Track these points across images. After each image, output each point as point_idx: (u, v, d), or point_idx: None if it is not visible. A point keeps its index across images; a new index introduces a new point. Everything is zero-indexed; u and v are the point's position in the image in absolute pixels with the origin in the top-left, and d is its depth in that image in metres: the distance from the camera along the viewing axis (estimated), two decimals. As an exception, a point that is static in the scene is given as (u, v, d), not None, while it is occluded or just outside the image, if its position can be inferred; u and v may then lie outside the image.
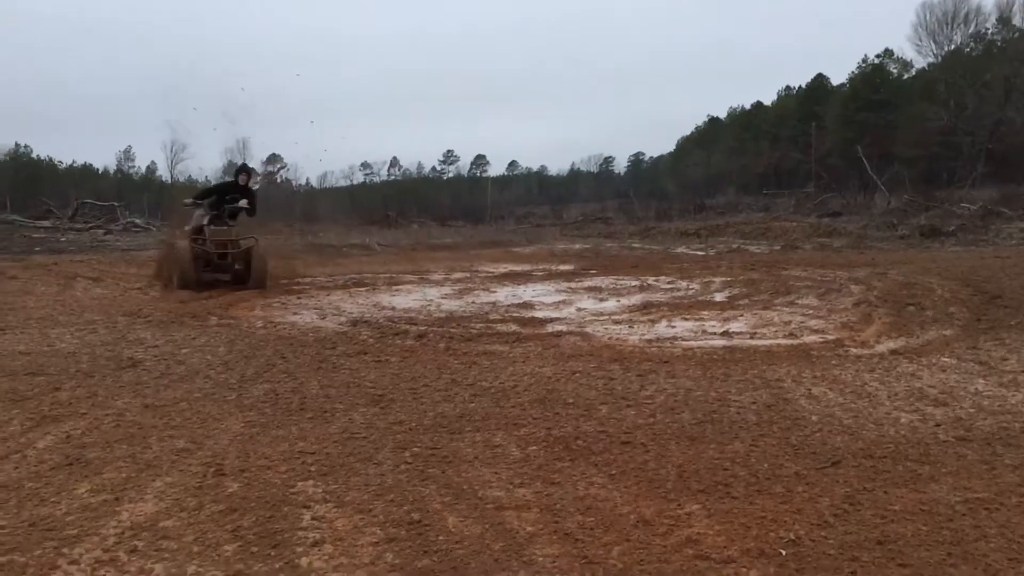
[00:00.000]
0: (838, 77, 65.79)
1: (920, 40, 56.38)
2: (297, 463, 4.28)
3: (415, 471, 4.19)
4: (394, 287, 13.34)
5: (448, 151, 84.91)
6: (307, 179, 75.49)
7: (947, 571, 3.03)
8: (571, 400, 5.56)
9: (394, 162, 78.31)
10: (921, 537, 3.33)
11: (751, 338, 7.91)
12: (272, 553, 3.23)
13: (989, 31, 55.90)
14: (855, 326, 8.33)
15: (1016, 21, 55.04)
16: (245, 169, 13.54)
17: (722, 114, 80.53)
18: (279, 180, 75.94)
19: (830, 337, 7.78)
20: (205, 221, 12.53)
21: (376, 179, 76.53)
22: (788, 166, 57.64)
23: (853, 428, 4.82)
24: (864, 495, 3.78)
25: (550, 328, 8.67)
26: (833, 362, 6.70)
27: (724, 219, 30.18)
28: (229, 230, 12.46)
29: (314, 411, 5.33)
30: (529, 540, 3.34)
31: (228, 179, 14.38)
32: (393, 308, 10.61)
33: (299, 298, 11.83)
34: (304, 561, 3.16)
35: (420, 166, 78.83)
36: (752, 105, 76.21)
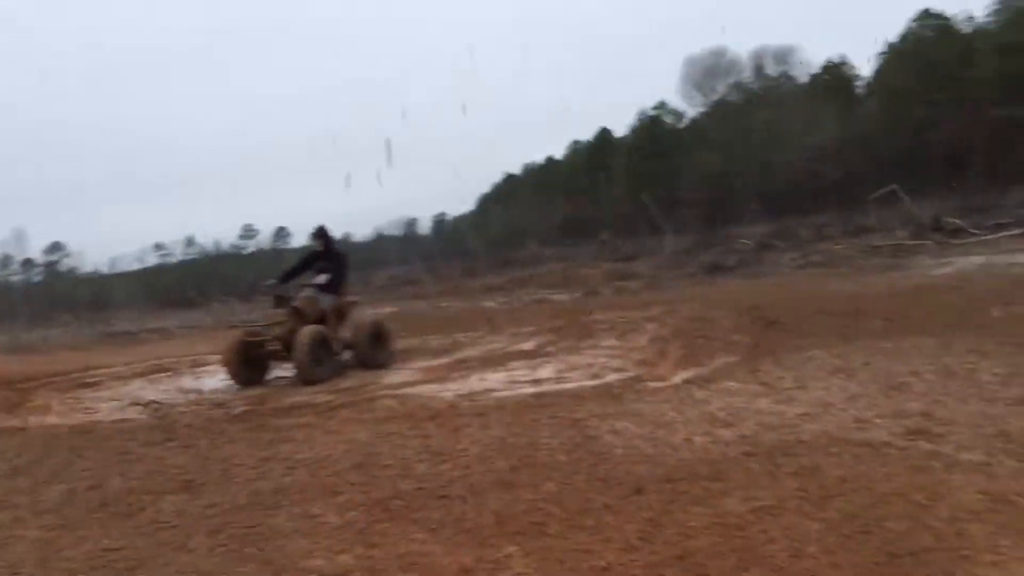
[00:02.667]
0: (620, 130, 69.63)
1: (689, 92, 60.91)
2: (101, 562, 4.10)
3: (231, 552, 4.11)
4: (199, 368, 12.86)
5: (246, 225, 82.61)
6: (94, 266, 71.32)
7: (740, 575, 3.31)
8: (388, 462, 5.60)
9: (190, 241, 75.30)
10: (717, 548, 3.62)
11: (558, 383, 8.23)
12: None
13: (747, 80, 61.17)
14: (652, 361, 8.85)
15: (769, 70, 60.61)
16: (314, 233, 11.32)
17: (518, 170, 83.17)
18: (63, 269, 71.29)
19: (630, 374, 8.23)
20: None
21: (171, 259, 73.32)
22: (584, 216, 60.11)
23: (654, 456, 5.14)
24: (666, 517, 4.06)
25: (363, 394, 8.66)
26: (633, 397, 7.10)
27: (528, 271, 31.13)
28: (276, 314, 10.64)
29: (118, 505, 5.10)
30: (353, 603, 3.36)
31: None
32: (199, 391, 10.24)
33: (95, 391, 11.18)
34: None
35: (218, 243, 76.13)
36: (545, 159, 79.21)
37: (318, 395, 8.86)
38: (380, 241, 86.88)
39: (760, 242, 25.88)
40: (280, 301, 10.51)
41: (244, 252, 76.86)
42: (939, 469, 4.37)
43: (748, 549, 3.57)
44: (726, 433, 5.54)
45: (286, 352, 9.89)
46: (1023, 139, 50.54)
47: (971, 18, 56.88)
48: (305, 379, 9.63)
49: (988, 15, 55.47)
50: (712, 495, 4.31)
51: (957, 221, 22.66)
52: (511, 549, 3.83)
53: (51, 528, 4.74)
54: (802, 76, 61.55)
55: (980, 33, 55.92)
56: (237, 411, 8.27)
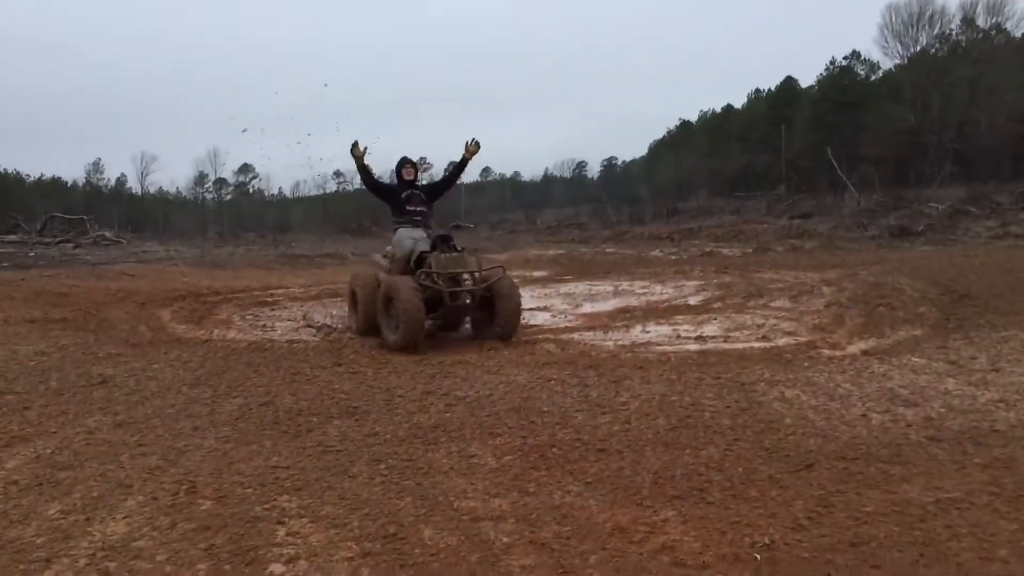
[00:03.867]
0: (807, 79, 66.46)
1: (886, 42, 57.03)
2: (271, 478, 4.25)
3: (390, 483, 4.17)
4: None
5: (421, 158, 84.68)
6: (279, 189, 75.17)
7: (919, 572, 3.06)
8: (546, 408, 5.56)
9: (367, 171, 77.90)
10: (894, 538, 3.35)
11: (724, 341, 7.95)
12: (246, 570, 3.20)
13: (953, 32, 56.66)
14: (827, 328, 8.41)
15: (980, 22, 55.85)
16: (408, 162, 9.34)
17: (693, 117, 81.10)
18: (251, 191, 75.62)
19: (802, 339, 7.85)
20: (422, 246, 8.55)
21: (349, 188, 76.18)
22: (759, 169, 58.06)
23: (826, 430, 4.85)
24: (837, 497, 3.81)
25: (525, 335, 8.67)
26: (806, 364, 6.75)
27: (696, 222, 30.38)
28: (462, 257, 8.42)
29: (287, 425, 5.29)
30: (505, 551, 3.33)
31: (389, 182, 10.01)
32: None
33: (272, 310, 11.76)
34: (279, 577, 3.14)
35: (391, 174, 78.36)
36: (722, 108, 76.83)
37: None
38: (548, 182, 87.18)
39: (953, 207, 24.08)
40: (445, 245, 8.45)
41: (419, 183, 78.83)
42: None
43: (929, 543, 3.29)
44: (908, 413, 5.16)
45: (478, 311, 8.52)
46: None
47: None
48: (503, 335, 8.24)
49: None
50: (890, 480, 4.01)
51: None
52: (669, 513, 3.69)
53: (226, 440, 4.97)
54: (1016, 29, 56.31)
55: None
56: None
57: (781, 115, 59.95)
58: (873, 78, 60.97)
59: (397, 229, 8.96)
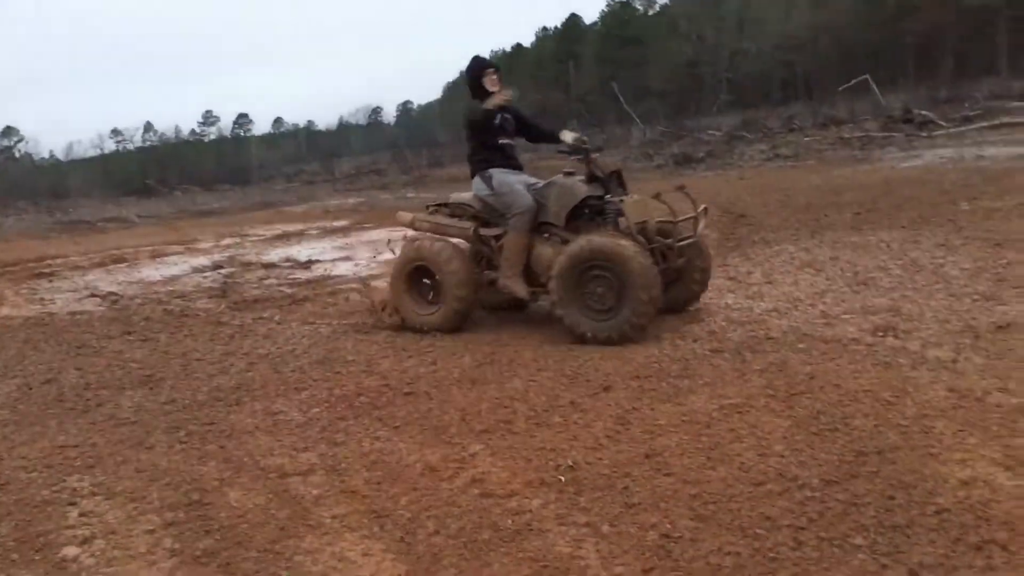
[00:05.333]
0: (591, 16, 68.14)
1: (660, -23, 59.33)
2: (58, 459, 4.01)
3: (192, 450, 4.03)
4: (158, 260, 12.62)
5: (207, 112, 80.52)
6: (50, 152, 69.37)
7: (706, 474, 3.29)
8: (352, 358, 5.52)
9: (148, 127, 73.27)
10: (684, 446, 3.59)
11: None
12: (36, 557, 3.02)
13: (722, -34, 59.55)
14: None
15: (743, -44, 58.97)
16: (491, 66, 6.25)
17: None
18: (17, 155, 69.40)
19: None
20: (581, 189, 5.73)
21: (130, 146, 71.43)
22: (552, 106, 59.21)
23: (622, 352, 5.08)
24: (633, 414, 4.02)
25: (329, 286, 8.53)
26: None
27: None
28: (646, 201, 5.82)
29: (74, 401, 4.99)
30: (315, 503, 3.31)
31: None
32: (158, 282, 10.04)
33: (51, 282, 10.94)
34: (73, 560, 2.97)
35: (178, 130, 74.03)
36: (512, 47, 77.53)
37: (280, 287, 8.71)
38: (344, 130, 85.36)
39: (729, 134, 25.61)
40: (622, 186, 5.91)
41: (205, 139, 75.20)
42: (906, 366, 4.35)
43: (715, 447, 3.54)
44: (695, 329, 5.50)
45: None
46: (995, 29, 50.18)
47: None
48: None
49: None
50: (680, 393, 4.28)
51: (927, 113, 22.51)
52: (477, 447, 3.78)
53: (4, 424, 4.63)
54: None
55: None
56: (198, 304, 8.11)
57: (569, 52, 61.30)
58: (652, 12, 63.37)
59: (486, 170, 6.00)
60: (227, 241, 14.84)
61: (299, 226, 16.71)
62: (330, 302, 7.65)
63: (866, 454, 3.33)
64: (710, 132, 26.87)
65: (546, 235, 5.79)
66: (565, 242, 5.55)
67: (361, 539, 2.99)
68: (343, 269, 9.89)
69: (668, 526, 2.88)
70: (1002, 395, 3.78)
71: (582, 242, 5.33)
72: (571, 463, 3.50)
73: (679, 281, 5.79)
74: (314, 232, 15.16)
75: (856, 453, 3.35)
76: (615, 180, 5.74)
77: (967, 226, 8.14)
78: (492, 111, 5.94)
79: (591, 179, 5.69)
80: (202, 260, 11.96)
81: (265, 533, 3.08)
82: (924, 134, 20.07)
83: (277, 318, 7.10)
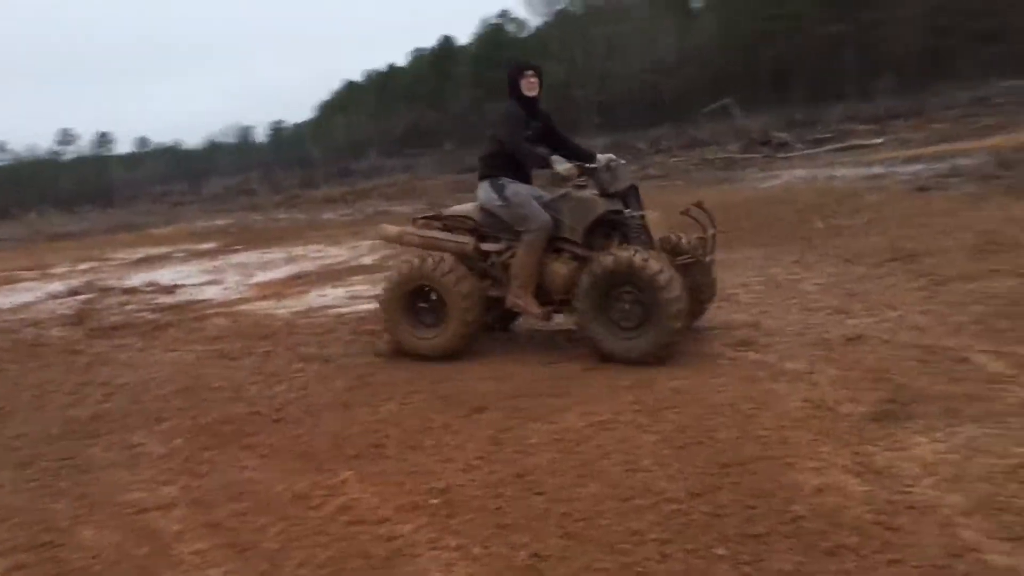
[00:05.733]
0: (464, 37, 68.69)
1: (531, 1, 60.54)
2: None
3: (43, 487, 3.81)
4: (8, 286, 11.92)
5: (64, 130, 76.76)
6: None
7: (577, 491, 3.33)
8: (218, 384, 5.35)
9: (0, 146, 69.33)
10: (555, 464, 3.62)
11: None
12: None
13: (590, -8, 61.25)
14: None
15: (613, -18, 60.77)
16: (532, 68, 5.66)
17: (359, 77, 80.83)
18: None
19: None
20: (602, 204, 5.38)
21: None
22: (427, 126, 59.32)
23: (498, 373, 5.08)
24: (506, 434, 4.04)
25: (194, 311, 8.25)
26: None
27: (369, 182, 30.38)
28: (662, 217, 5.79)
29: (-90, 441, 4.63)
30: (176, 539, 3.17)
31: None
32: (8, 310, 9.49)
33: None
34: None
35: (33, 149, 70.32)
36: (387, 67, 77.31)
37: (142, 313, 8.37)
38: (213, 149, 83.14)
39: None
40: (638, 201, 5.54)
41: (62, 159, 71.73)
42: (765, 378, 4.53)
43: (585, 464, 3.59)
44: (568, 347, 5.57)
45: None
46: (844, 56, 53.18)
47: (803, -64, 58.47)
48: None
49: (818, -66, 57.11)
50: (553, 411, 4.32)
51: (783, 135, 23.64)
52: (347, 473, 3.71)
53: None
54: (643, -11, 61.95)
55: (810, -48, 57.73)
56: (52, 332, 7.71)
57: (443, 73, 61.62)
58: (524, 35, 64.40)
59: (498, 177, 5.48)
60: (86, 265, 14.16)
61: (164, 249, 16.10)
62: (196, 327, 7.39)
63: (728, 465, 3.44)
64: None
65: (559, 251, 5.39)
66: (579, 258, 5.27)
67: (224, 574, 2.89)
68: (210, 293, 9.58)
69: (538, 545, 2.90)
70: (852, 405, 3.97)
71: (609, 258, 4.98)
72: (443, 486, 3.48)
73: (694, 295, 5.34)
74: (180, 255, 14.64)
75: (719, 465, 3.45)
76: (633, 195, 5.41)
77: (821, 244, 8.56)
78: (523, 114, 5.49)
79: (603, 193, 5.35)
80: (57, 286, 11.36)
81: (120, 571, 2.93)
82: (782, 155, 21.04)
83: (139, 345, 6.81)
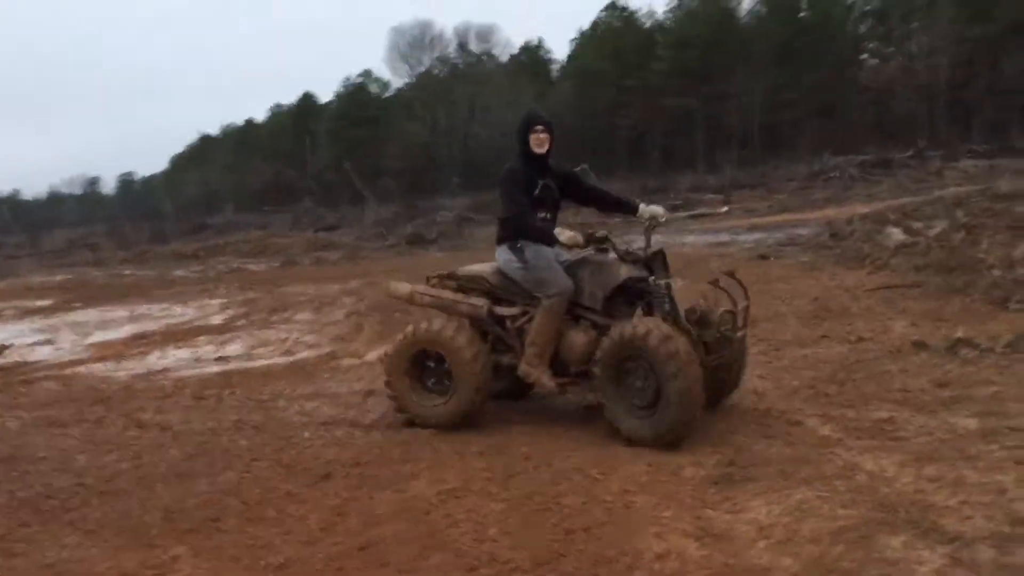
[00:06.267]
0: (326, 95, 68.54)
1: (395, 62, 61.13)
2: None
3: None
4: None
5: None
6: None
7: (422, 563, 3.25)
8: (43, 454, 4.99)
9: None
10: (401, 535, 3.53)
11: (248, 360, 7.83)
12: None
13: (452, 55, 62.49)
14: (347, 337, 8.66)
15: (473, 47, 62.23)
16: (541, 121, 5.15)
17: (216, 131, 79.16)
18: None
19: (324, 350, 8.00)
20: (624, 270, 4.93)
21: None
22: (285, 182, 58.42)
23: (344, 439, 4.98)
24: (351, 504, 3.92)
25: (21, 374, 7.71)
26: (326, 375, 6.90)
27: (223, 238, 29.51)
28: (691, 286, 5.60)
29: None
30: (-20, 629, 2.90)
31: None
32: None
33: None
34: None
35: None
36: (245, 122, 76.10)
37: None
38: (56, 200, 79.23)
39: (460, 215, 26.44)
40: (665, 268, 4.91)
41: None
42: (614, 442, 4.58)
43: (432, 534, 3.52)
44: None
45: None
46: (694, 127, 56.03)
47: (652, 13, 61.80)
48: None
49: (666, 12, 60.51)
50: (401, 478, 4.23)
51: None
52: (180, 549, 3.51)
53: None
54: (503, 55, 63.85)
55: (659, 28, 61.03)
56: None
57: (304, 129, 61.13)
58: (386, 95, 64.87)
59: (517, 240, 5.07)
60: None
61: (-6, 305, 15.07)
62: (22, 392, 6.91)
63: (574, 532, 3.44)
64: (443, 213, 27.59)
65: (578, 319, 4.98)
66: (599, 327, 4.83)
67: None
68: (42, 354, 8.99)
69: (379, 622, 2.80)
70: (695, 468, 4.07)
71: (621, 328, 4.55)
72: (282, 560, 3.34)
73: (721, 375, 4.93)
74: (10, 312, 13.71)
75: (565, 531, 3.45)
76: (660, 262, 4.84)
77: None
78: (532, 179, 5.04)
79: (626, 258, 4.89)
80: None
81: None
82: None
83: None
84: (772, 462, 4.04)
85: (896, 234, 11.49)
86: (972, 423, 4.37)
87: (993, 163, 27.45)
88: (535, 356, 4.90)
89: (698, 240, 16.07)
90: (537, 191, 5.06)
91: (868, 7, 56.73)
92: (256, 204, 51.02)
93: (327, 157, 56.81)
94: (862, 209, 16.57)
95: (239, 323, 10.25)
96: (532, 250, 4.98)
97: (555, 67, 66.96)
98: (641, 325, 4.48)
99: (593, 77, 58.06)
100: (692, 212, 22.41)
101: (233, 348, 8.49)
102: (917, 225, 11.83)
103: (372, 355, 7.56)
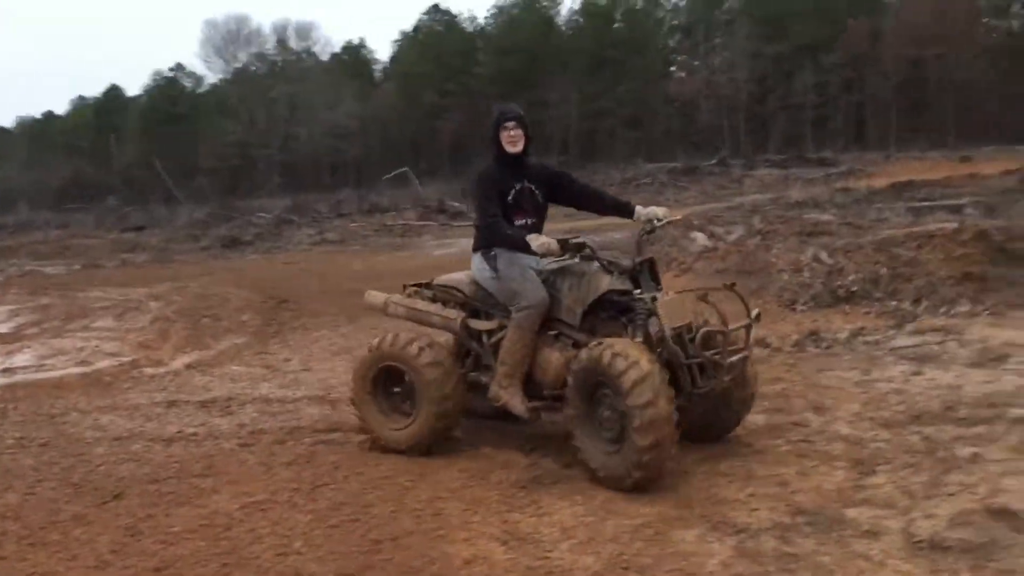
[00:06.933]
0: (134, 89, 65.12)
1: (209, 56, 58.74)
2: None
3: None
4: None
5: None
6: None
7: (221, 583, 3.12)
8: None
9: None
10: (199, 554, 3.38)
11: (38, 371, 7.28)
12: None
13: (270, 52, 60.79)
14: (152, 344, 8.22)
15: (292, 44, 60.78)
16: (513, 118, 4.52)
17: (10, 124, 73.48)
18: None
19: (126, 359, 7.55)
20: (604, 281, 4.28)
21: None
22: (88, 179, 54.99)
23: (140, 454, 4.72)
24: (146, 523, 3.72)
25: None
26: (126, 386, 6.53)
27: (16, 239, 27.35)
28: (685, 301, 4.27)
29: None
30: None
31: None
32: None
33: None
34: None
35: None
36: (43, 115, 71.08)
37: None
38: None
39: (279, 217, 25.71)
40: (654, 278, 4.31)
41: None
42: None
43: (233, 551, 3.39)
44: (223, 423, 5.29)
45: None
46: (514, 134, 56.92)
47: (474, 18, 62.54)
48: None
49: (487, 18, 61.43)
50: (202, 494, 4.05)
51: (458, 204, 24.70)
52: (-53, 583, 3.21)
53: None
54: (324, 54, 62.73)
55: (481, 33, 61.85)
56: None
57: (109, 124, 57.80)
58: (200, 91, 62.30)
59: (490, 248, 4.53)
60: None
61: None
62: None
63: (382, 541, 3.41)
64: (260, 214, 26.74)
65: (555, 334, 4.41)
66: (577, 346, 4.24)
67: None
68: None
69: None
70: (504, 472, 4.12)
71: (589, 349, 3.97)
72: (66, 589, 3.11)
73: (721, 404, 4.33)
74: None
75: (373, 542, 3.41)
76: (647, 271, 4.23)
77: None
78: (505, 182, 4.52)
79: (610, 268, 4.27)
80: None
81: None
82: (456, 224, 21.93)
83: None
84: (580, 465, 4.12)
85: (700, 239, 12.09)
86: (760, 419, 4.65)
87: (787, 172, 29.52)
88: (505, 376, 4.34)
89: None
90: (511, 196, 4.52)
91: (676, 21, 59.75)
92: (56, 203, 47.70)
93: (135, 153, 53.90)
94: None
95: (30, 331, 9.51)
96: (506, 258, 4.44)
97: (378, 68, 66.49)
98: (608, 346, 3.87)
99: (416, 80, 58.10)
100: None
101: (21, 358, 7.87)
102: (719, 231, 12.47)
103: (178, 363, 7.22)
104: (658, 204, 4.78)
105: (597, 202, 4.79)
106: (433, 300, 4.83)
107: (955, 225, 9.08)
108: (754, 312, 4.33)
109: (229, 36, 57.88)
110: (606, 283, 4.20)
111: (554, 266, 4.42)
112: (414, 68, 59.18)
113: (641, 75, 54.64)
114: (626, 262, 4.24)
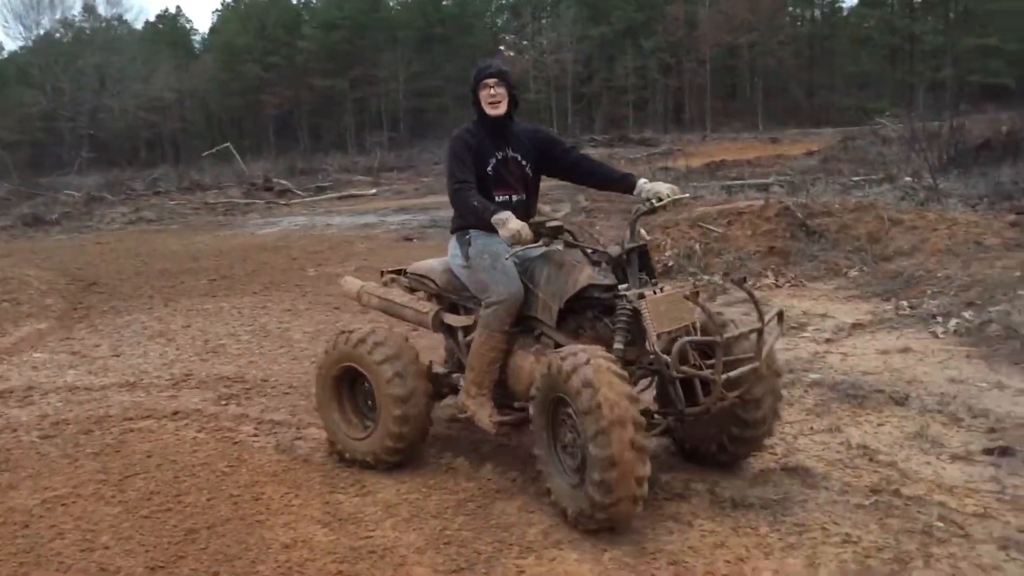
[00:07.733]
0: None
1: (7, 22, 54.37)
2: None
3: None
4: None
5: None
6: None
7: (17, 584, 2.92)
8: None
9: None
10: (-8, 554, 3.15)
11: None
12: None
13: (77, 19, 56.89)
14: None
15: (101, 11, 57.12)
16: (494, 74, 3.81)
17: None
18: None
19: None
20: (585, 274, 3.52)
21: None
22: None
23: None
24: (-71, 527, 3.42)
25: None
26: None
27: None
28: (682, 299, 3.34)
29: None
30: None
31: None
32: None
33: None
34: None
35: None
36: None
37: None
38: None
39: (89, 194, 24.12)
40: (648, 269, 3.59)
41: None
42: (245, 433, 4.44)
43: (31, 549, 3.18)
44: (22, 414, 4.94)
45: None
46: (342, 109, 56.04)
47: (299, -9, 60.75)
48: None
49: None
50: (-3, 489, 3.77)
51: (285, 182, 24.00)
52: None
53: None
54: (137, 22, 59.37)
55: (306, 6, 60.26)
56: None
57: None
58: (-1, 58, 57.62)
59: (466, 231, 3.87)
60: None
61: None
62: None
63: (196, 531, 3.29)
64: (68, 192, 25.01)
65: (537, 334, 3.75)
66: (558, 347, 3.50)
67: None
68: None
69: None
70: (325, 455, 4.05)
71: (551, 358, 3.24)
72: None
73: (728, 426, 3.55)
74: None
75: (187, 531, 3.29)
76: (637, 263, 3.50)
77: (312, 291, 8.75)
78: (482, 149, 3.83)
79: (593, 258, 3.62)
80: None
81: None
82: (283, 202, 21.32)
83: None
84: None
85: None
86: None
87: (612, 151, 30.42)
88: (473, 384, 3.76)
89: (346, 221, 16.08)
90: (491, 167, 3.86)
91: (504, 0, 60.27)
92: None
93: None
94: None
95: None
96: (480, 243, 3.79)
97: (196, 39, 63.55)
98: (570, 356, 3.13)
99: (238, 52, 55.95)
100: (342, 193, 22.45)
101: None
102: (546, 208, 12.74)
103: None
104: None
105: (594, 175, 4.12)
106: (411, 290, 4.27)
107: (762, 202, 9.65)
108: (772, 312, 3.56)
109: (31, 1, 53.72)
110: (586, 276, 3.54)
111: (536, 253, 3.77)
112: (236, 39, 56.91)
113: (470, 53, 54.80)
114: (613, 249, 3.53)
